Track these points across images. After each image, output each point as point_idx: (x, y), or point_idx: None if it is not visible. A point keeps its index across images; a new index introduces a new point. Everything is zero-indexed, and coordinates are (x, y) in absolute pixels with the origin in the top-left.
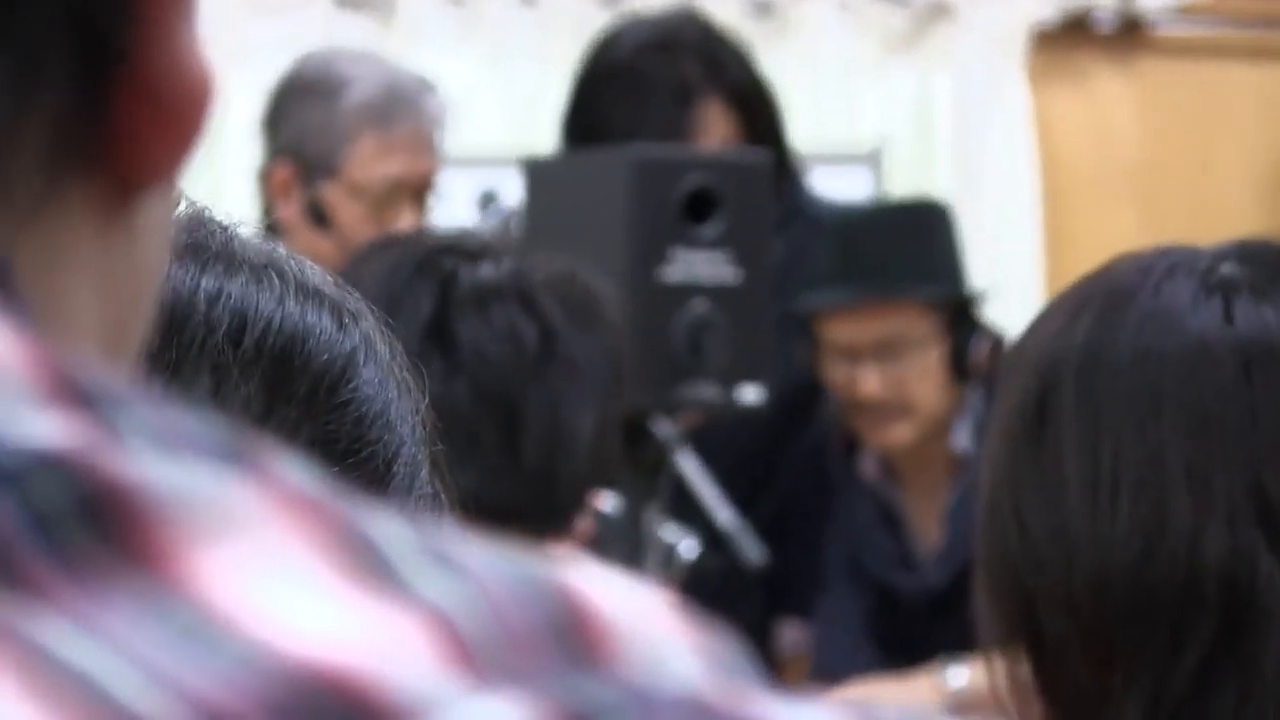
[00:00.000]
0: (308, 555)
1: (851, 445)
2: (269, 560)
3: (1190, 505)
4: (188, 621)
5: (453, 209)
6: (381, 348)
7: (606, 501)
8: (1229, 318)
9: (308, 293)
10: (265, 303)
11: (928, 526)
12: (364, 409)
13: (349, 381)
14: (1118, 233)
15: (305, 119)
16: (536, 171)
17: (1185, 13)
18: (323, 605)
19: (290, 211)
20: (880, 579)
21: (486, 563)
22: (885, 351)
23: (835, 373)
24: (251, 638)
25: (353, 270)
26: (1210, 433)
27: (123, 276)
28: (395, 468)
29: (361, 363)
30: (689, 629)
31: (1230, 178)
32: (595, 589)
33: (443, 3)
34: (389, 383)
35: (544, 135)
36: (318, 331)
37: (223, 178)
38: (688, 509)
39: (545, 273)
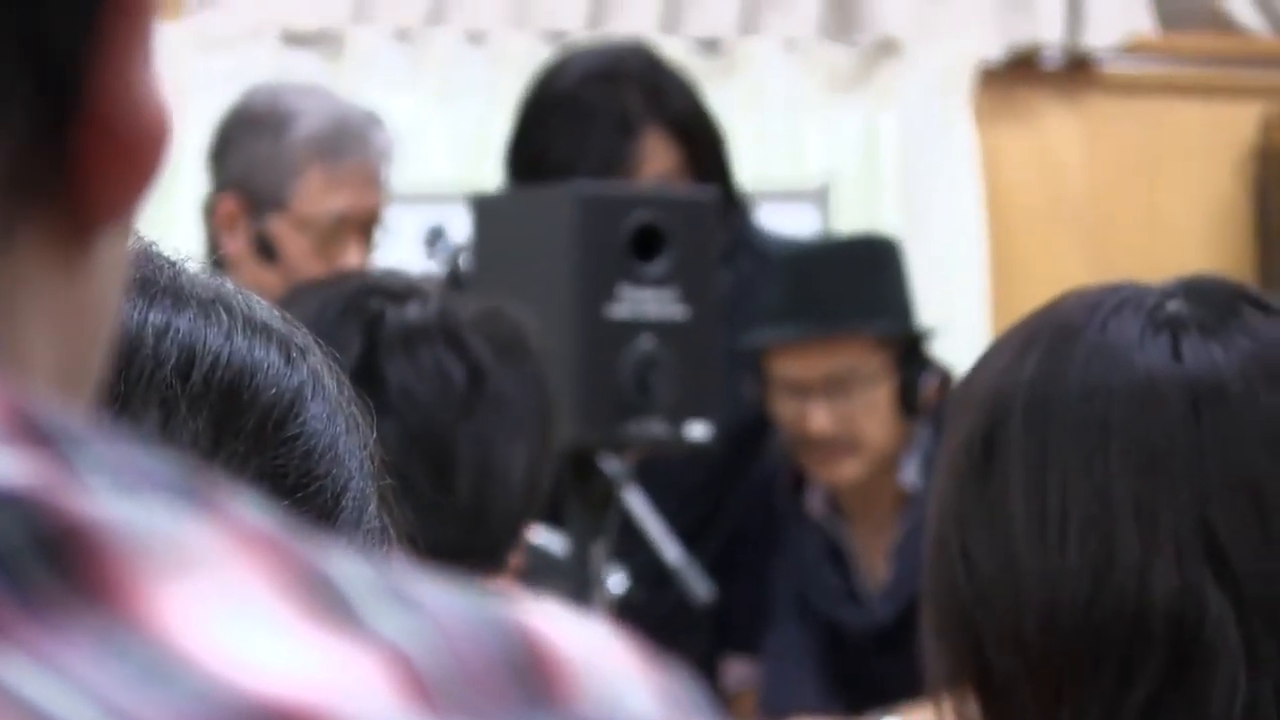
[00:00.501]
0: (266, 593)
1: (799, 481)
2: (227, 598)
3: (1138, 542)
4: (147, 658)
5: (400, 245)
6: (329, 382)
7: (553, 539)
8: (1177, 355)
9: (255, 328)
10: (213, 337)
11: (875, 562)
12: (312, 443)
13: (297, 416)
14: (1065, 270)
15: (252, 152)
16: (484, 208)
17: (1132, 50)
18: (281, 642)
19: (236, 245)
20: (827, 615)
21: (443, 600)
22: (834, 387)
23: (784, 408)
24: (210, 674)
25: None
26: (1158, 469)
27: (79, 314)
28: (343, 501)
29: (309, 397)
30: (644, 666)
31: (1177, 215)
32: (551, 626)
33: (391, 39)
34: (337, 417)
35: (491, 172)
36: (265, 366)
37: (173, 213)
38: (636, 545)
39: (471, 311)
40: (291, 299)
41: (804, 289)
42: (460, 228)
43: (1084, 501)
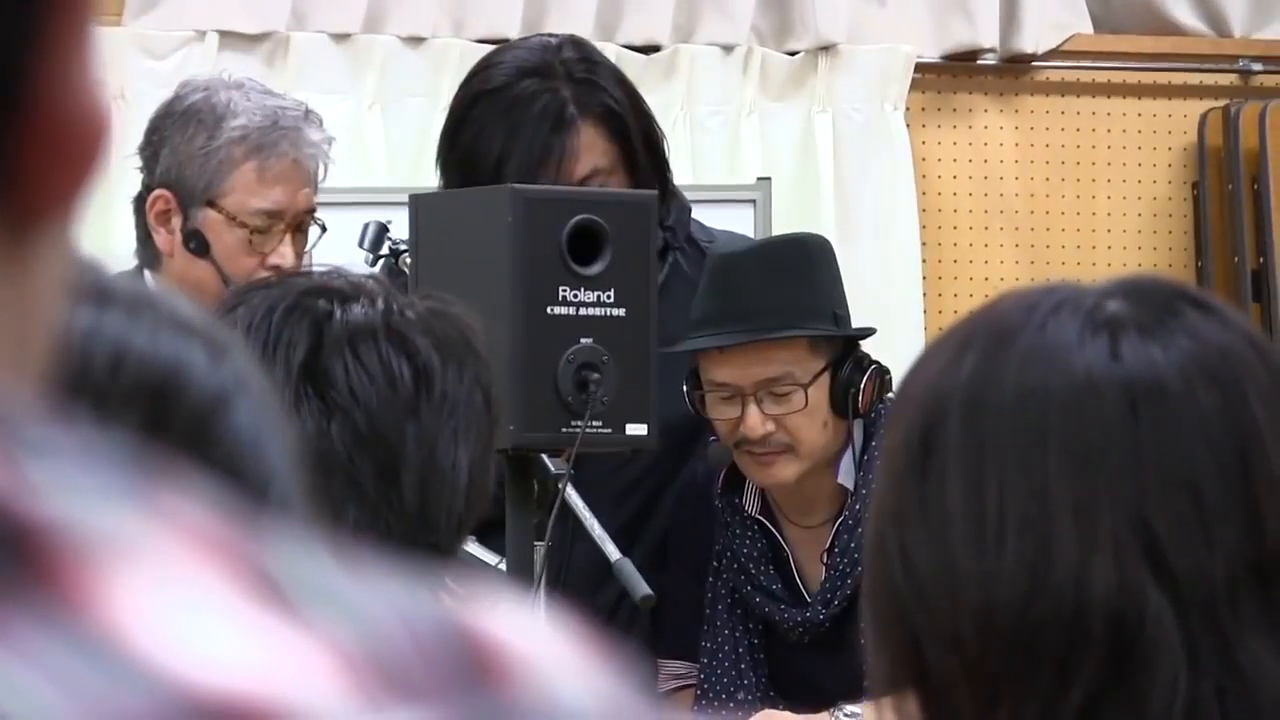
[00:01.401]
0: (210, 585)
1: (736, 479)
2: (172, 590)
3: (1076, 542)
4: (94, 649)
5: (341, 246)
6: (253, 380)
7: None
8: (1116, 355)
9: (180, 327)
10: (139, 337)
11: (812, 561)
12: (237, 441)
13: (223, 413)
14: (1001, 271)
15: (184, 148)
16: (424, 207)
17: (1066, 51)
18: (225, 633)
19: (168, 240)
20: (763, 614)
21: (383, 593)
22: (768, 390)
23: (718, 411)
24: (156, 664)
25: (224, 315)
26: (1096, 469)
27: (21, 310)
28: (268, 499)
29: (235, 395)
30: (581, 658)
31: (1114, 216)
32: (490, 619)
33: (329, 43)
34: (261, 415)
35: (431, 174)
36: (191, 365)
37: (111, 215)
38: (577, 543)
39: (415, 310)
40: (238, 299)
41: (735, 292)
42: (401, 228)
43: (1021, 502)
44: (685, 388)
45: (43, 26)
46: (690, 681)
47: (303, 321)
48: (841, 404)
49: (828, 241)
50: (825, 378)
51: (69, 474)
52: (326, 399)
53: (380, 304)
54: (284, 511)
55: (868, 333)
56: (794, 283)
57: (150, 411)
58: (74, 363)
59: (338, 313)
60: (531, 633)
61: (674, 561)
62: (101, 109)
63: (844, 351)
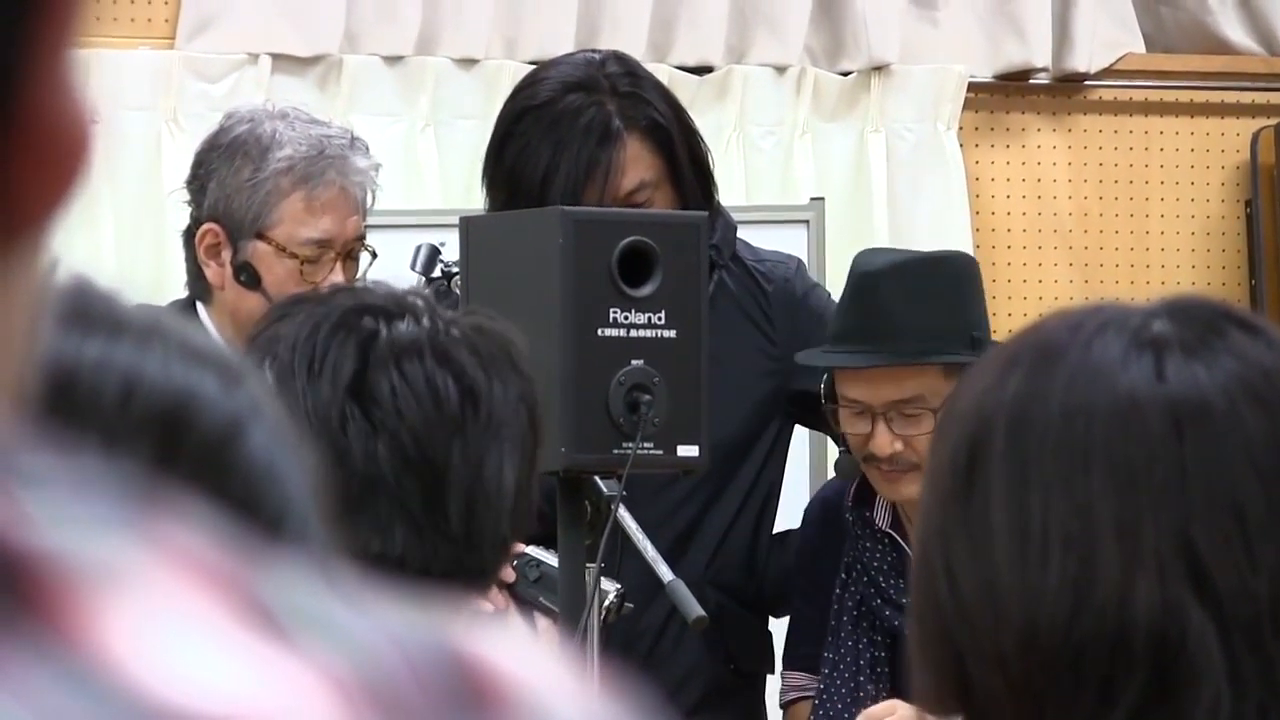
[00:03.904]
0: (204, 614)
1: (866, 493)
2: (166, 619)
3: (1119, 561)
4: (86, 676)
5: (393, 267)
6: (268, 406)
7: (547, 556)
8: (1160, 375)
9: (192, 355)
10: (151, 366)
11: None
12: (251, 468)
13: (236, 441)
14: (1052, 289)
15: (232, 181)
16: (474, 229)
17: (1118, 70)
18: (218, 661)
19: (218, 273)
20: (892, 626)
21: (380, 621)
22: (899, 411)
23: (850, 425)
24: (149, 693)
25: (269, 329)
26: (1139, 489)
27: (2, 322)
28: (284, 525)
29: (248, 422)
30: (582, 689)
31: (1166, 234)
32: (488, 647)
33: (382, 65)
34: (276, 441)
35: (483, 195)
36: (203, 393)
37: (165, 241)
38: (628, 562)
39: (460, 326)
40: (281, 313)
41: (873, 310)
42: (453, 251)
43: (1065, 520)
44: (822, 400)
45: (29, 33)
46: (809, 693)
47: (349, 341)
48: None
49: (972, 260)
50: None
51: (62, 503)
52: (372, 419)
53: (425, 321)
54: (301, 538)
55: None
56: (933, 304)
57: (163, 441)
58: (85, 393)
59: (383, 331)
60: (528, 663)
61: (803, 575)
62: (85, 117)
63: None
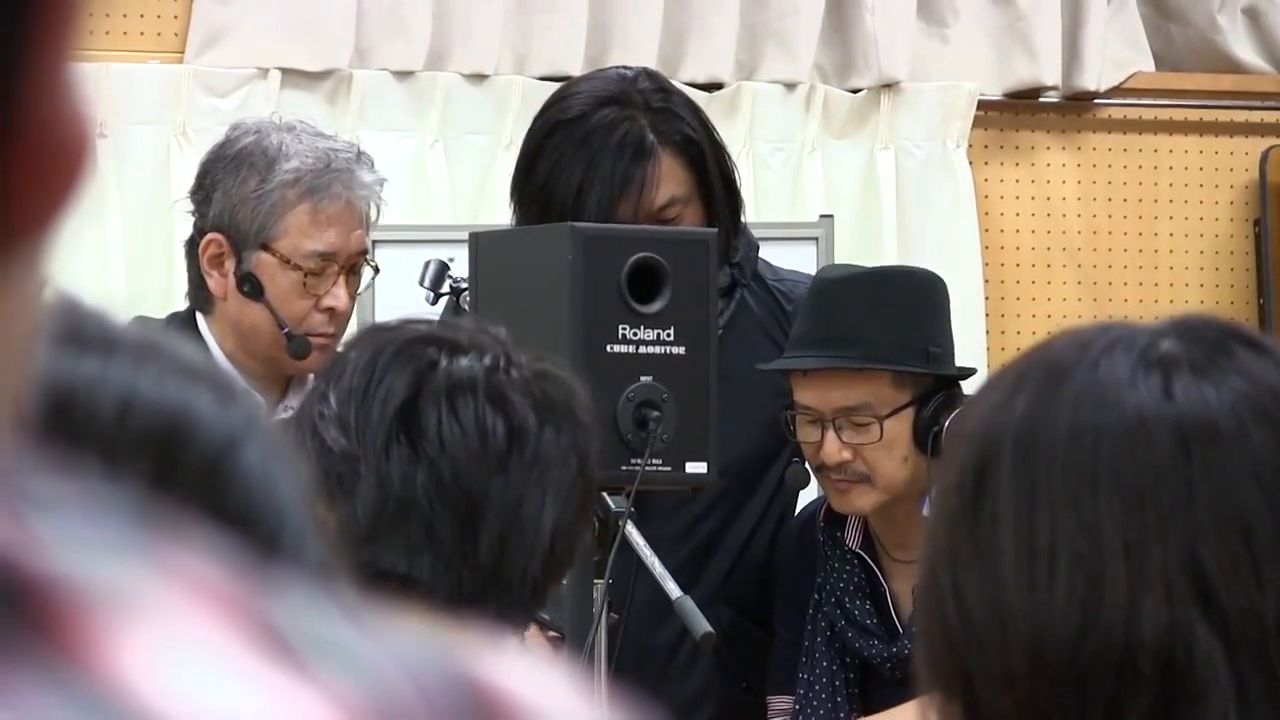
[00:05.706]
0: (215, 639)
1: (839, 513)
2: (177, 645)
3: (1126, 581)
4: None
5: (402, 282)
6: (263, 424)
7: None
8: (1168, 394)
9: (186, 372)
10: (145, 383)
11: (908, 595)
12: (248, 483)
13: (232, 457)
14: (1061, 308)
15: (237, 191)
16: (484, 245)
17: (1128, 88)
18: (229, 686)
19: (221, 283)
20: (854, 648)
21: (391, 646)
22: (848, 419)
23: (804, 433)
24: (161, 717)
25: (340, 355)
26: (1147, 508)
27: (2, 331)
28: (281, 540)
29: (244, 437)
30: (590, 708)
31: (1176, 253)
32: (501, 672)
33: (392, 80)
34: (272, 456)
35: (491, 211)
36: (199, 409)
37: (173, 254)
38: (638, 581)
39: (523, 370)
40: (357, 339)
41: (829, 317)
42: (462, 267)
43: (1073, 539)
44: (783, 408)
45: (28, 40)
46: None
47: (406, 368)
48: (923, 440)
49: (938, 278)
50: (909, 413)
51: (73, 528)
52: (416, 447)
53: (488, 360)
54: (299, 553)
55: (967, 373)
56: (887, 314)
57: (159, 458)
58: (82, 412)
59: (443, 363)
60: (542, 688)
61: (782, 598)
62: (84, 125)
63: (934, 388)
